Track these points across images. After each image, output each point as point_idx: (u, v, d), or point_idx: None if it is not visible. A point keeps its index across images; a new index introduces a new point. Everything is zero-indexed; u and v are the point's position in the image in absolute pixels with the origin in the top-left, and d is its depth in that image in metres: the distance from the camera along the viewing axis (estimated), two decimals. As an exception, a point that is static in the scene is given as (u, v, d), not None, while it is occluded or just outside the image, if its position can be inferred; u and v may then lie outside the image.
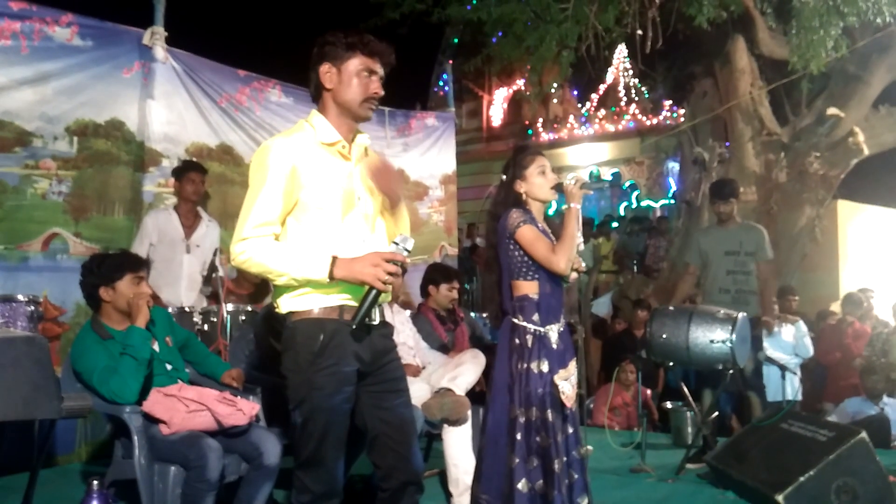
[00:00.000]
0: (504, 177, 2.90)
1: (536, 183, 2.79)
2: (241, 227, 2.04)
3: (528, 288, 2.74)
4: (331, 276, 2.00)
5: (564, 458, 2.67)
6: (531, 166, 2.80)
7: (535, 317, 2.73)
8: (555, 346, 2.73)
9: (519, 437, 2.65)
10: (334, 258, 2.00)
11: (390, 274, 2.00)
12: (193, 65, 5.12)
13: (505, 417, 2.70)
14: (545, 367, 2.68)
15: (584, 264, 2.86)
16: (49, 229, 4.35)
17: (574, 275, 2.81)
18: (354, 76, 2.10)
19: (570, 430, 2.73)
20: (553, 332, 2.74)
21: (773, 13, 7.91)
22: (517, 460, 2.63)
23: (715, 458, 3.93)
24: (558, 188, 2.79)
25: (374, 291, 2.02)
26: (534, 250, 2.70)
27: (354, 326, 2.03)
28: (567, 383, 2.70)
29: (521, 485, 2.61)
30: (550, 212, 3.01)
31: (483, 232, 3.41)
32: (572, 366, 2.77)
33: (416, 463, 2.18)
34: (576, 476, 2.69)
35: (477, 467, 2.81)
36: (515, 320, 2.74)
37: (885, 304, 7.44)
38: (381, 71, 2.15)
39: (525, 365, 2.69)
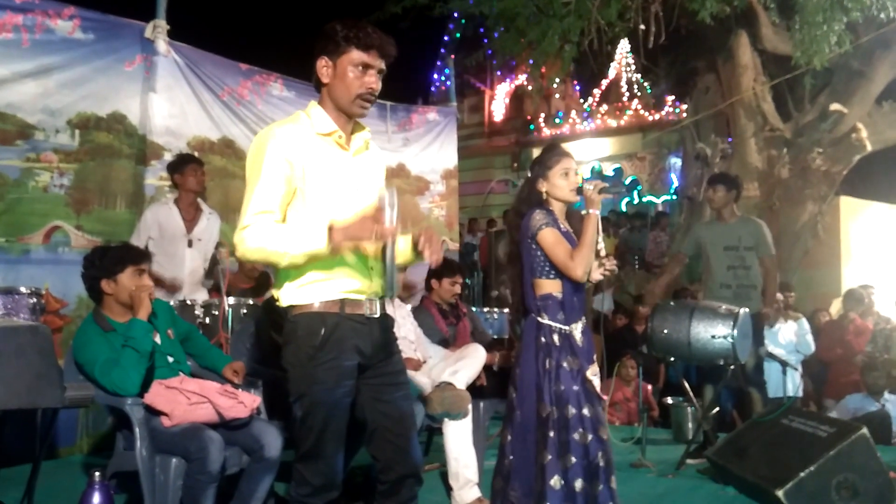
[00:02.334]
0: (529, 173, 2.92)
1: (558, 184, 2.80)
2: (243, 216, 2.03)
3: (552, 287, 2.76)
4: (330, 246, 1.97)
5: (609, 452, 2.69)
6: (555, 167, 2.81)
7: (560, 315, 2.74)
8: (580, 343, 2.75)
9: (552, 434, 2.64)
10: (330, 227, 1.98)
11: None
12: (195, 58, 5.13)
13: (533, 415, 2.71)
14: (576, 365, 2.71)
15: (614, 266, 2.90)
16: (50, 222, 4.36)
17: (596, 276, 2.83)
18: (349, 71, 2.07)
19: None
20: (577, 330, 2.76)
21: (776, 8, 7.88)
22: (549, 457, 2.62)
23: (715, 453, 3.93)
24: (579, 191, 2.81)
25: (389, 250, 2.01)
26: (553, 255, 2.72)
27: (392, 293, 2.06)
28: (596, 378, 2.75)
29: (554, 481, 2.60)
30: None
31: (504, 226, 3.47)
32: (595, 362, 2.81)
33: (415, 456, 2.18)
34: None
35: (501, 464, 2.79)
36: (540, 319, 2.75)
37: (887, 301, 7.43)
38: (378, 65, 2.10)
39: (554, 362, 2.69)
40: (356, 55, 2.07)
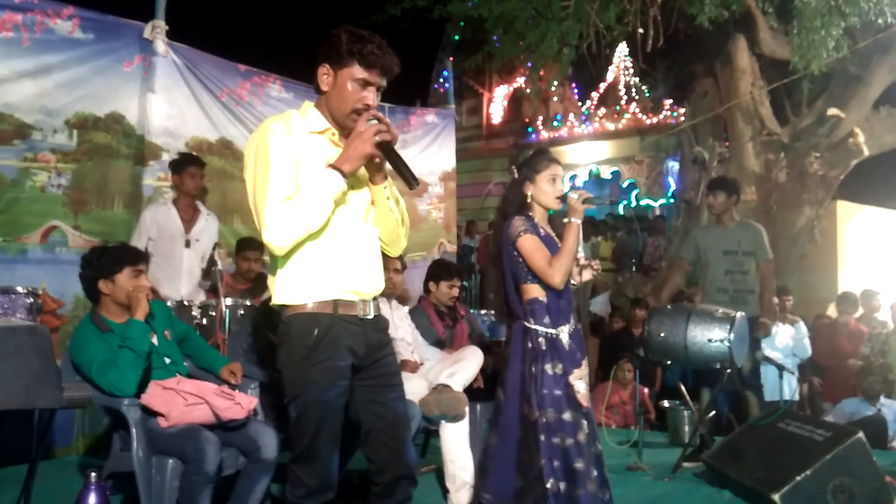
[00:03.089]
0: (516, 175, 2.95)
1: (544, 189, 2.84)
2: (263, 213, 1.99)
3: (537, 291, 2.79)
4: (345, 178, 2.01)
5: (589, 456, 2.70)
6: (543, 172, 2.85)
7: (546, 319, 2.77)
8: (567, 347, 2.77)
9: (543, 438, 2.67)
10: (330, 166, 2.01)
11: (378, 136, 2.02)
12: (194, 59, 5.12)
13: (516, 418, 2.73)
14: (559, 369, 2.73)
15: (599, 267, 2.93)
16: (48, 222, 4.35)
17: (586, 276, 2.85)
18: (348, 84, 2.07)
19: (587, 430, 2.76)
20: (564, 333, 2.78)
21: (774, 13, 7.90)
22: (543, 461, 2.65)
23: (712, 456, 3.94)
24: (563, 199, 2.83)
25: (391, 152, 2.05)
26: (531, 262, 2.75)
27: (414, 182, 2.05)
28: (582, 382, 2.76)
29: (550, 484, 2.63)
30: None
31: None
32: (584, 365, 2.82)
33: (409, 457, 2.18)
34: (595, 472, 2.73)
35: (482, 466, 2.82)
36: (527, 324, 2.78)
37: (883, 305, 7.45)
38: (378, 82, 2.10)
39: (539, 367, 2.72)
40: (357, 71, 2.06)
